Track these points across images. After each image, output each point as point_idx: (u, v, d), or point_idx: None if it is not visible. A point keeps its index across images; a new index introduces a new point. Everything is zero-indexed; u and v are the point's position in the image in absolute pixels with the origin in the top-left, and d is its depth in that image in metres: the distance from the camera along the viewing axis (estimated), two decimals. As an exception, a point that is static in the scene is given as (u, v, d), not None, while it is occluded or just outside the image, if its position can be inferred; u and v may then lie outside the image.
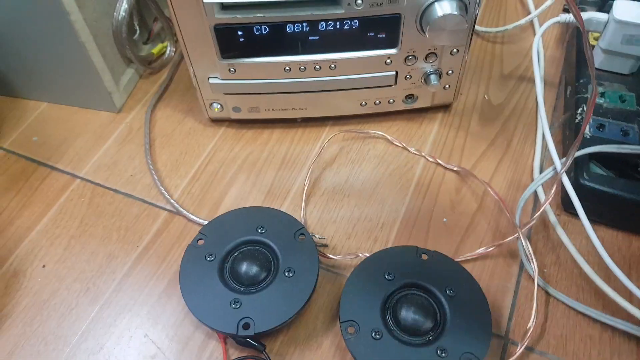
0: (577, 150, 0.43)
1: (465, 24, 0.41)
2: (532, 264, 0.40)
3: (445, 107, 0.54)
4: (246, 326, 0.36)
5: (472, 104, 0.55)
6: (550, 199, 0.40)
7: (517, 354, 0.37)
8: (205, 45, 0.44)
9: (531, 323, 0.38)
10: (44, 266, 0.45)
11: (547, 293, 0.41)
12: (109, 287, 0.43)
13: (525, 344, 0.37)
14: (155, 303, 0.42)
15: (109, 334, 0.41)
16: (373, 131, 0.52)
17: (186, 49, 0.45)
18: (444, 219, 0.46)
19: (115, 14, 0.53)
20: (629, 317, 0.37)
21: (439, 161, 0.49)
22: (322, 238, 0.45)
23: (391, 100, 0.51)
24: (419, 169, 0.50)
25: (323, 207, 0.47)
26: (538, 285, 0.40)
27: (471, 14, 0.42)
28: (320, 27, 0.43)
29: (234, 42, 0.44)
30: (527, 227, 0.41)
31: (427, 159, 0.50)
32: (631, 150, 0.43)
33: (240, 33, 0.43)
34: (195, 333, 0.40)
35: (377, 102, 0.51)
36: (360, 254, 0.43)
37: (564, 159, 0.42)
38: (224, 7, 0.41)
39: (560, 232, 0.43)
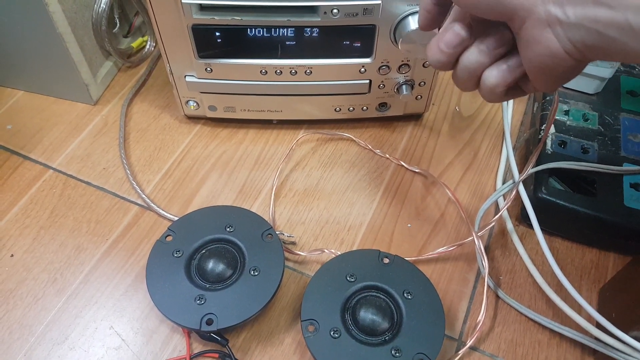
0: (538, 165, 0.45)
1: (436, 38, 0.42)
2: (483, 262, 0.42)
3: (417, 117, 0.56)
4: (209, 322, 0.37)
5: (443, 115, 0.56)
6: (507, 205, 0.42)
7: (465, 347, 0.39)
8: (183, 44, 0.45)
9: (481, 317, 0.39)
10: (12, 255, 0.45)
11: (499, 298, 0.43)
12: (76, 278, 0.44)
13: (474, 337, 0.39)
14: (122, 296, 0.43)
15: (74, 325, 0.41)
16: (344, 134, 0.53)
17: (163, 47, 0.46)
18: (409, 225, 0.47)
19: (95, 6, 0.53)
20: (575, 326, 0.39)
21: (407, 166, 0.51)
22: (290, 236, 0.46)
23: (365, 108, 0.52)
24: (387, 175, 0.51)
25: (293, 209, 0.48)
26: (488, 285, 0.42)
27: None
28: (297, 33, 0.44)
29: (211, 42, 0.44)
30: (483, 230, 0.43)
31: (396, 164, 0.51)
32: (588, 167, 0.45)
33: (217, 34, 0.44)
34: (160, 327, 0.41)
35: (351, 108, 0.52)
36: (326, 250, 0.44)
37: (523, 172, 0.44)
38: (202, 8, 0.42)
39: (517, 241, 0.45)
